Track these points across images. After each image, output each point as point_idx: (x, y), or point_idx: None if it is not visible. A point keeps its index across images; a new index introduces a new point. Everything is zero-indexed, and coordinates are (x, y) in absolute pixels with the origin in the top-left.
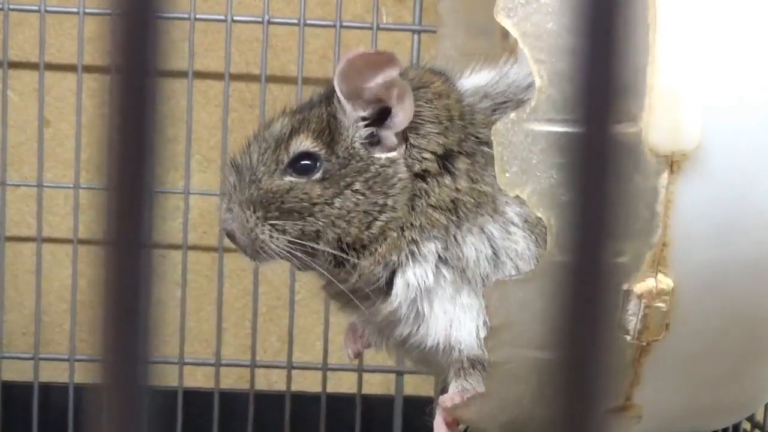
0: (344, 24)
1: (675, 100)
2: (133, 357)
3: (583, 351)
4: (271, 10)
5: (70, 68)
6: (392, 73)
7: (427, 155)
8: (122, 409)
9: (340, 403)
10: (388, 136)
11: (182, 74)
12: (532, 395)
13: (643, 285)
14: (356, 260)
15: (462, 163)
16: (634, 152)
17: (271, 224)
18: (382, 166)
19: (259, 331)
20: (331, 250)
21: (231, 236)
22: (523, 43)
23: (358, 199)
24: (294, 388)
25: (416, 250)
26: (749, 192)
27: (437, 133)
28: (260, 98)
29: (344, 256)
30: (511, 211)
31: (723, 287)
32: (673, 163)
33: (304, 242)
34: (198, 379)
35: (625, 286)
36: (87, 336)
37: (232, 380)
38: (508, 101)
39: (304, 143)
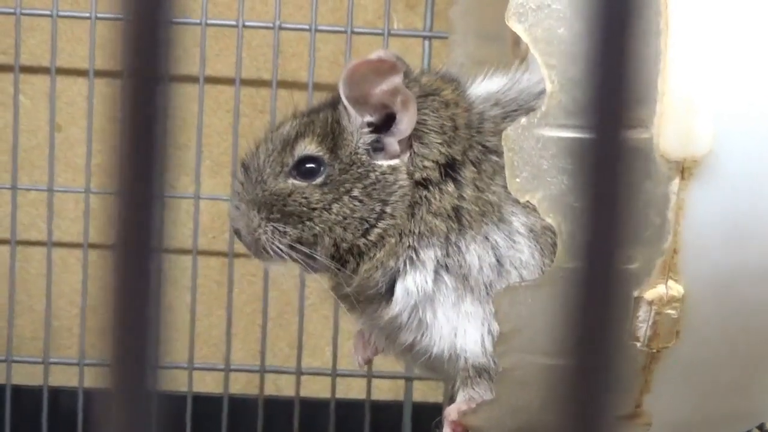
0: (355, 30)
1: (686, 107)
2: (143, 362)
3: (595, 358)
4: (282, 16)
5: (81, 73)
6: (396, 80)
7: (429, 163)
8: (131, 413)
9: (349, 408)
10: (392, 143)
11: (193, 79)
12: (541, 401)
13: (653, 292)
14: (354, 268)
15: (468, 172)
16: (645, 158)
17: (273, 225)
18: (382, 173)
19: (269, 337)
20: (323, 259)
21: (237, 233)
22: (534, 48)
23: (355, 205)
24: (303, 393)
25: (414, 256)
26: (761, 199)
27: (440, 143)
28: (271, 104)
29: (338, 265)
30: (517, 221)
31: (734, 295)
32: (684, 169)
33: (302, 247)
34: (207, 384)
35: (635, 293)
36: (97, 340)
37: (242, 385)
38: (519, 109)
39: (308, 147)
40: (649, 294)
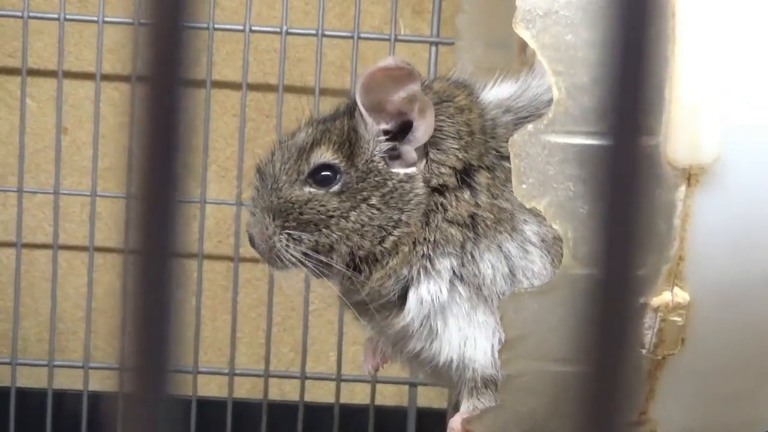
0: (362, 35)
1: (694, 114)
2: (156, 366)
3: (604, 364)
4: (289, 21)
5: (88, 76)
6: (413, 87)
7: (445, 170)
8: (142, 417)
9: (353, 414)
10: (409, 151)
11: (200, 84)
12: (547, 408)
13: (659, 298)
14: (367, 275)
15: (483, 178)
16: (653, 165)
17: (288, 233)
18: (399, 181)
19: (273, 341)
20: (340, 267)
21: (251, 240)
22: (541, 55)
23: (373, 213)
24: (307, 398)
25: (429, 265)
26: (767, 206)
27: (457, 148)
28: (277, 108)
29: (354, 273)
30: (529, 230)
31: (740, 302)
32: (690, 176)
33: (317, 255)
34: (212, 388)
35: (641, 300)
36: (102, 344)
37: (246, 390)
38: (530, 116)
39: (324, 155)
40: (655, 301)
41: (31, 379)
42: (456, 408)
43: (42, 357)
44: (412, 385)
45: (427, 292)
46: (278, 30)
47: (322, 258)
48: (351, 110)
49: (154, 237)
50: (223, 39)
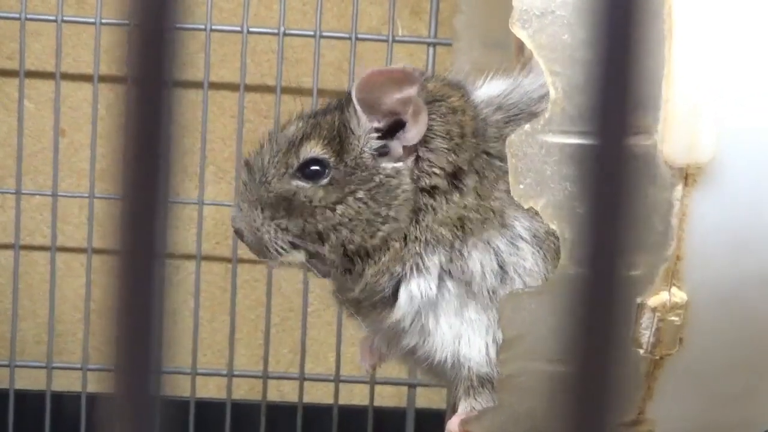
0: (360, 36)
1: (690, 113)
2: (146, 367)
3: (597, 364)
4: (286, 22)
5: (86, 78)
6: (410, 91)
7: (437, 171)
8: (135, 419)
9: (351, 415)
10: (396, 147)
11: (197, 85)
12: (545, 409)
13: (656, 298)
14: (360, 270)
15: (471, 180)
16: (649, 165)
17: (276, 224)
18: (387, 176)
19: (272, 342)
20: (328, 254)
21: (239, 234)
22: (538, 54)
23: (360, 207)
24: (306, 399)
25: (420, 262)
26: (765, 205)
27: (447, 150)
28: (275, 110)
29: (348, 264)
30: (520, 226)
31: (738, 302)
32: (687, 175)
33: (306, 242)
34: (210, 389)
35: (638, 300)
36: (100, 345)
37: (244, 391)
38: (521, 113)
39: (314, 149)
40: (653, 300)
41: (29, 381)
42: (454, 409)
43: (40, 359)
44: (411, 386)
45: (416, 288)
46: (276, 31)
47: (310, 246)
48: (343, 105)
49: (138, 238)
50: (220, 40)
